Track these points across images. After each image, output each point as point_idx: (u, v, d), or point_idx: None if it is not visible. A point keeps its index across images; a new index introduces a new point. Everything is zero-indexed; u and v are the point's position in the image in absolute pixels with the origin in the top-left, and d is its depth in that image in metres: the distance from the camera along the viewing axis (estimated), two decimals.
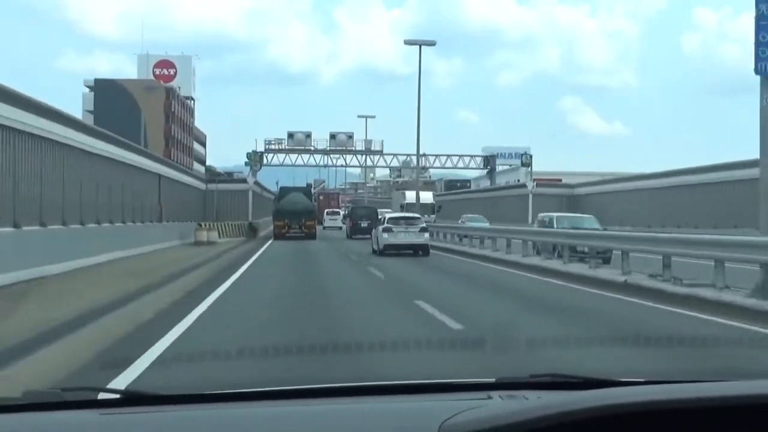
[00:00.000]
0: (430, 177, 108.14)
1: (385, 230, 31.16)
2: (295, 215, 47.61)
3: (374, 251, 31.75)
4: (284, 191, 51.96)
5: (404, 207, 57.52)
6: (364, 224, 46.29)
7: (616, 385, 2.39)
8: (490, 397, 2.45)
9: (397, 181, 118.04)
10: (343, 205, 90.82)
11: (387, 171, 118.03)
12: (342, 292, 16.80)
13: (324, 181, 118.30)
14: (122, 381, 6.83)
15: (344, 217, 62.18)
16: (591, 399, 1.90)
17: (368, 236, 37.97)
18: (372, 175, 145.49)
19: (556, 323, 12.03)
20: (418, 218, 33.36)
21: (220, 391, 2.57)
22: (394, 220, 32.02)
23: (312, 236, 46.57)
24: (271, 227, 50.89)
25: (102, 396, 2.57)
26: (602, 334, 10.74)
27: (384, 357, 8.53)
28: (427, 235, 31.73)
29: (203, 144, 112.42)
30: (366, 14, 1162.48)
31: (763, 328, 11.31)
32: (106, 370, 7.65)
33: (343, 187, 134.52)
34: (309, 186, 62.28)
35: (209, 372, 6.93)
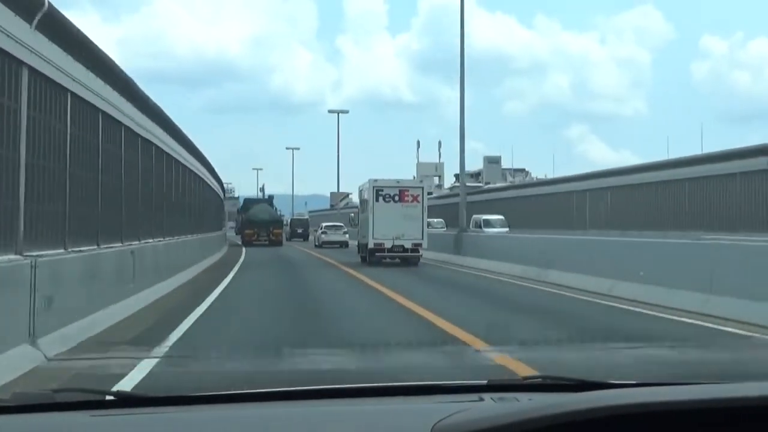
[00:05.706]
0: None
1: (322, 233, 50.96)
2: (264, 225, 53.51)
3: (315, 245, 50.38)
4: (249, 202, 57.64)
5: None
6: (299, 231, 65.64)
7: (608, 387, 2.41)
8: (481, 399, 2.46)
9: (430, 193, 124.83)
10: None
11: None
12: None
13: (347, 194, 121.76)
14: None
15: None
16: (583, 401, 1.89)
17: (301, 239, 61.98)
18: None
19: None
20: (342, 225, 50.93)
21: (211, 393, 2.56)
22: (328, 227, 51.53)
23: (278, 243, 52.86)
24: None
25: (92, 398, 2.55)
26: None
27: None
28: (347, 235, 48.21)
29: None
30: (370, 41, 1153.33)
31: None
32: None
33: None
34: (271, 197, 66.26)
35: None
